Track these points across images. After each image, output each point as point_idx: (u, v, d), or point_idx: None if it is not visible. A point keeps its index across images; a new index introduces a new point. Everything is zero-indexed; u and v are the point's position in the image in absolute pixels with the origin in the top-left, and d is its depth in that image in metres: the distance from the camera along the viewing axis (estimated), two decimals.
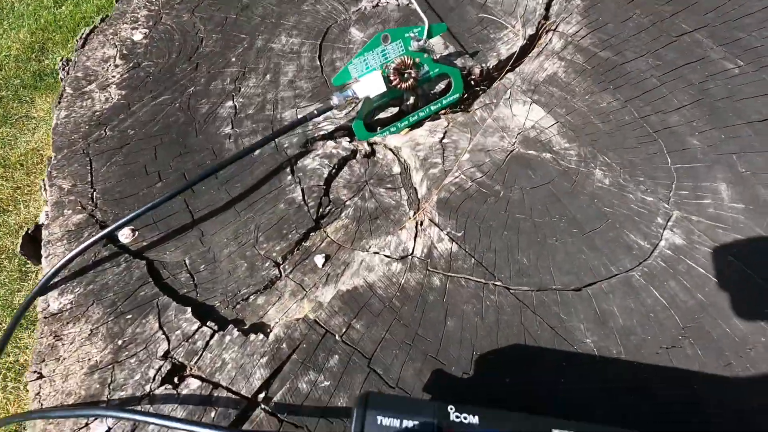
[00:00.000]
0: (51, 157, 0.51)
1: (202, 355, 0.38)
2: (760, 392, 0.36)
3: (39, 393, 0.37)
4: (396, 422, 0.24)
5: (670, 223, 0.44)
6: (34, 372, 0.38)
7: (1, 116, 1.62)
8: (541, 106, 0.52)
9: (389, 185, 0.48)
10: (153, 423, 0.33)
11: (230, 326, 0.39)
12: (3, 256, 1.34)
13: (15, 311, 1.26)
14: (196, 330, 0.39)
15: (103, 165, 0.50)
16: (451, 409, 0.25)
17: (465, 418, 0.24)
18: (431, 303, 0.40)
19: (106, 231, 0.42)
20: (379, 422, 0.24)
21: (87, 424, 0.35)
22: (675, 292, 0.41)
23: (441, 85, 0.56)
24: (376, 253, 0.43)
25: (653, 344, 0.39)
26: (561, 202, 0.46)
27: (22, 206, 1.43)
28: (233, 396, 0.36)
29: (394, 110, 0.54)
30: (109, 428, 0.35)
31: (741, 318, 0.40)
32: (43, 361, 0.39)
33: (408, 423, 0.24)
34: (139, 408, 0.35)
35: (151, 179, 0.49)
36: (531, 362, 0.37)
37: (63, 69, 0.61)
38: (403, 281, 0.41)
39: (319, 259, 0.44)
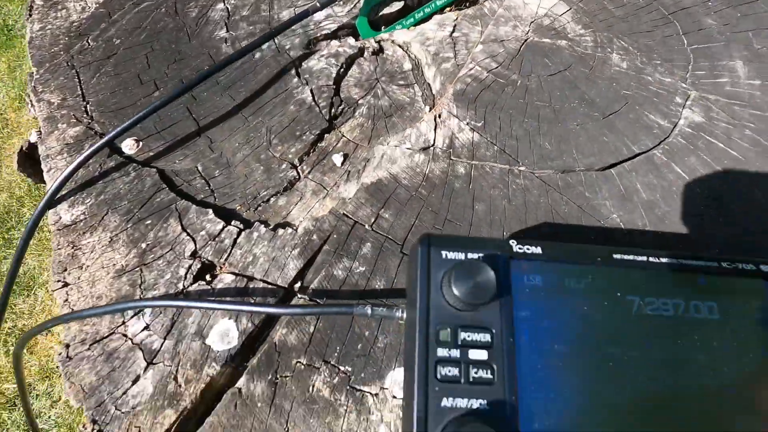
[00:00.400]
0: (32, 73, 0.48)
1: (231, 252, 0.37)
2: None
3: (67, 300, 0.36)
4: (461, 255, 0.24)
5: (688, 102, 0.44)
6: (58, 281, 0.37)
7: None
8: None
9: (401, 82, 0.46)
10: (197, 307, 0.32)
11: (256, 223, 0.38)
12: None
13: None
14: (222, 229, 0.38)
15: (91, 77, 0.46)
16: (513, 242, 0.25)
17: (528, 249, 0.24)
18: (458, 190, 0.40)
19: (108, 136, 0.40)
20: (444, 256, 0.23)
21: (124, 322, 0.35)
22: (695, 167, 0.41)
23: None
24: (396, 146, 0.42)
25: (677, 215, 0.39)
26: (579, 87, 0.45)
27: None
28: (270, 286, 0.36)
29: (399, 5, 0.51)
30: (147, 324, 0.35)
31: (759, 187, 0.41)
32: (65, 270, 0.37)
33: (473, 256, 0.24)
34: (180, 297, 0.35)
35: (148, 88, 0.46)
36: (562, 237, 0.38)
37: None
38: (427, 171, 0.41)
39: (337, 158, 0.42)
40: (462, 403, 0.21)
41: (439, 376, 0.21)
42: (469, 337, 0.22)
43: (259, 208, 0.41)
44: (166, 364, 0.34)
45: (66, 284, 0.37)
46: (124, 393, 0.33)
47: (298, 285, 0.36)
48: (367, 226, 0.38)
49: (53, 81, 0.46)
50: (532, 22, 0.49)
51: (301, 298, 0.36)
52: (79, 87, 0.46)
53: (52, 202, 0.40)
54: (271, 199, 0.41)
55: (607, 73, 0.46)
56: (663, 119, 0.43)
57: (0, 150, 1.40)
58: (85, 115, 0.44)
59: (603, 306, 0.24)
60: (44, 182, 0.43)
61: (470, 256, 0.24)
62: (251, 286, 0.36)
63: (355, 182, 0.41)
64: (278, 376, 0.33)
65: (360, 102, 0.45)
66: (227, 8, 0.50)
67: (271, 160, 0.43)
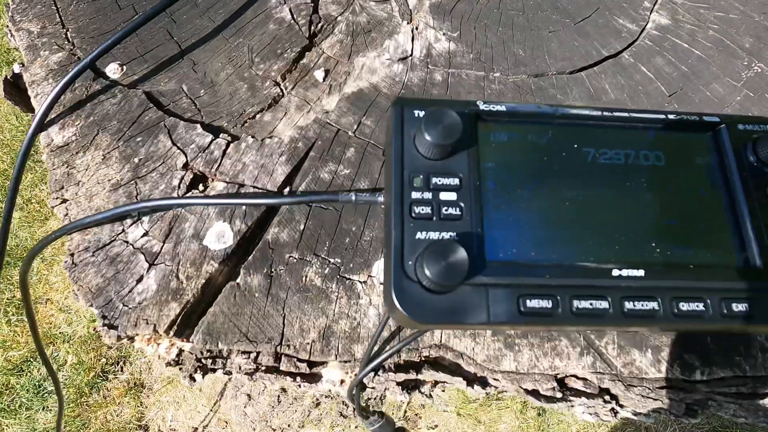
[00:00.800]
0: (8, 3, 0.47)
1: (221, 162, 0.39)
2: None
3: (67, 214, 0.38)
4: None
5: (656, 6, 0.46)
6: (56, 198, 0.39)
7: None
8: None
9: None
10: (195, 203, 0.34)
11: (244, 135, 0.40)
12: None
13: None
14: (211, 142, 0.40)
15: (69, 4, 0.46)
16: (480, 102, 0.27)
17: (494, 107, 0.27)
18: (436, 96, 0.41)
19: (90, 56, 0.40)
20: (415, 114, 0.26)
21: (124, 230, 0.37)
22: (661, 67, 0.43)
23: None
24: (376, 57, 0.43)
25: None
26: None
27: None
28: (260, 191, 0.38)
29: None
30: (146, 231, 0.37)
31: (719, 83, 0.43)
32: (62, 188, 0.39)
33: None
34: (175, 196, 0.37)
35: (127, 13, 0.46)
36: None
37: None
38: (406, 80, 0.42)
39: (319, 74, 0.44)
40: (434, 235, 0.23)
41: (413, 215, 0.24)
42: (439, 181, 0.24)
43: (246, 124, 0.42)
44: (167, 264, 0.36)
45: (64, 200, 0.39)
46: (130, 291, 0.35)
47: (287, 189, 0.38)
48: (350, 133, 0.40)
49: (30, 10, 0.46)
50: None
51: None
52: (57, 15, 0.46)
53: (42, 126, 0.41)
54: (257, 115, 0.43)
55: None
56: (631, 23, 0.45)
57: None
58: (66, 42, 0.45)
59: (561, 157, 0.26)
60: (33, 110, 0.44)
61: (438, 114, 0.26)
62: (242, 191, 0.38)
63: (337, 95, 0.43)
64: (273, 270, 0.36)
65: (338, 19, 0.46)
66: None
67: (254, 78, 0.44)
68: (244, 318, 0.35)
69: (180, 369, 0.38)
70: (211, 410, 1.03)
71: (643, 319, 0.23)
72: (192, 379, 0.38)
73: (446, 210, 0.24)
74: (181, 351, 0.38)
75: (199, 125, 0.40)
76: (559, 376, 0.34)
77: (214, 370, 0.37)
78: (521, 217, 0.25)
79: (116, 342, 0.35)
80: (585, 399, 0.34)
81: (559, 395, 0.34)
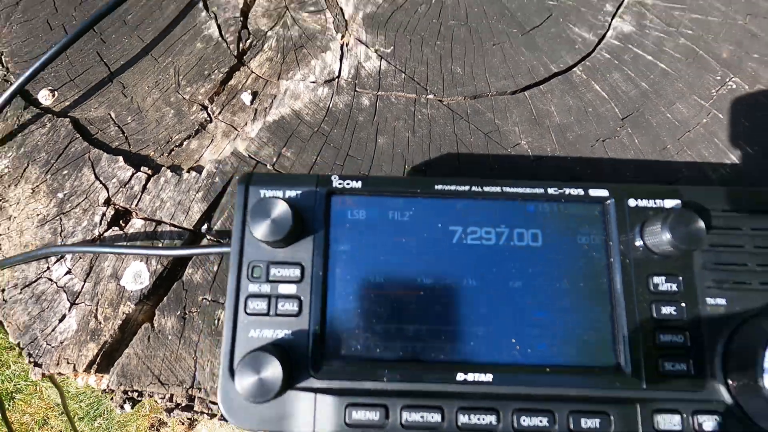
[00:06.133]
0: None
1: (141, 197, 0.39)
2: (689, 168, 0.36)
3: (0, 248, 0.39)
4: (279, 193, 0.24)
5: (620, 10, 0.40)
6: None
7: None
8: None
9: (312, 8, 0.44)
10: (108, 251, 0.34)
11: (163, 168, 0.39)
12: None
13: None
14: (132, 176, 0.39)
15: (2, 26, 0.46)
16: (335, 177, 0.25)
17: (348, 183, 0.25)
18: (361, 123, 0.39)
19: (19, 81, 0.40)
20: (262, 195, 0.24)
21: (49, 268, 0.38)
22: (617, 84, 0.39)
23: None
24: (301, 80, 0.41)
25: (589, 138, 0.38)
26: (500, 0, 0.41)
27: None
28: (177, 229, 0.37)
29: None
30: (69, 269, 0.37)
31: (684, 102, 0.38)
32: None
33: (292, 193, 0.24)
34: (93, 243, 0.37)
35: (58, 33, 0.45)
36: (463, 168, 0.37)
37: None
38: (330, 105, 0.40)
39: (246, 97, 0.42)
40: (268, 333, 0.22)
41: (248, 311, 0.23)
42: (279, 272, 0.23)
43: (172, 153, 0.41)
44: (87, 304, 0.37)
45: None
46: (53, 330, 0.37)
47: (204, 227, 0.38)
48: (269, 166, 0.38)
49: None
50: None
51: (208, 239, 0.37)
52: None
53: None
54: (183, 142, 0.42)
55: None
56: (588, 32, 0.40)
57: None
58: (0, 67, 0.44)
59: (423, 237, 0.24)
60: None
61: (288, 193, 0.24)
62: (160, 229, 0.38)
63: (261, 121, 0.41)
64: (186, 312, 0.36)
65: (269, 34, 0.43)
66: None
67: (181, 102, 0.42)
68: (157, 360, 0.36)
69: (111, 399, 0.40)
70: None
71: None
72: (122, 407, 0.40)
73: (282, 305, 0.22)
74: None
75: (121, 158, 0.40)
76: None
77: (140, 401, 0.39)
78: (367, 310, 0.23)
79: (42, 378, 0.37)
80: None
81: None
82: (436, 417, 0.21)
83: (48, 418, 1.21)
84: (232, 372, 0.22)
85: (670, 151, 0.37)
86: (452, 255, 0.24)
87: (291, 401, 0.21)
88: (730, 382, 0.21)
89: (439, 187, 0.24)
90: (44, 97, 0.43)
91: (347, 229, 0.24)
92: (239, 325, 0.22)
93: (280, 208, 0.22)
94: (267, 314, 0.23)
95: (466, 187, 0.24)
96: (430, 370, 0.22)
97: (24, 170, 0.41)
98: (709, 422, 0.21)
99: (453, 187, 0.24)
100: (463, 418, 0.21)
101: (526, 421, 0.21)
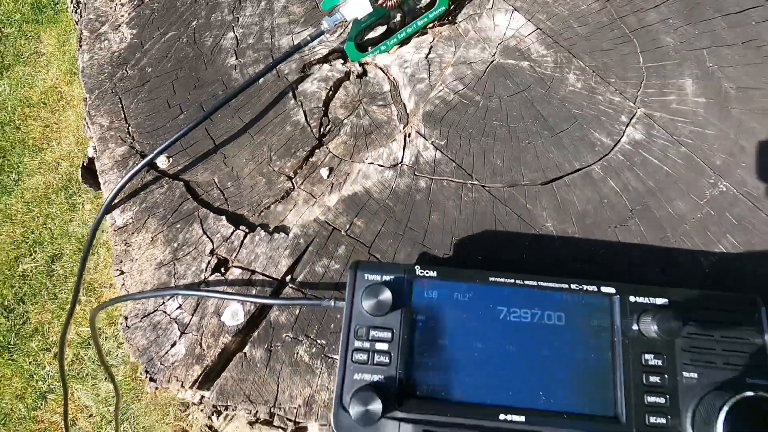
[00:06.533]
0: (86, 99, 0.59)
1: (239, 251, 0.48)
2: (684, 254, 0.44)
3: (124, 284, 0.49)
4: (377, 277, 0.33)
5: (633, 121, 0.49)
6: (117, 270, 0.50)
7: (12, 55, 1.65)
8: (523, 13, 0.55)
9: (381, 102, 0.54)
10: (212, 296, 0.44)
11: (258, 228, 0.49)
12: (50, 191, 1.46)
13: (71, 237, 1.41)
14: (232, 233, 0.49)
15: (131, 102, 0.57)
16: (417, 267, 0.34)
17: (427, 273, 0.34)
18: (418, 201, 0.48)
19: (146, 160, 0.51)
20: (366, 278, 0.33)
21: (164, 302, 0.48)
22: (628, 181, 0.47)
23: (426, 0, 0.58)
24: (371, 163, 0.51)
25: (604, 224, 0.46)
26: (535, 107, 0.51)
27: (54, 143, 1.51)
28: (267, 278, 0.47)
29: (383, 29, 0.58)
30: (180, 305, 0.47)
31: (682, 200, 0.47)
32: (121, 262, 0.50)
33: (387, 277, 0.33)
34: (200, 287, 0.47)
35: (174, 112, 0.56)
36: (500, 243, 0.46)
37: (75, 11, 0.66)
38: (394, 185, 0.49)
39: (324, 171, 0.52)
40: (367, 377, 0.31)
41: (353, 360, 0.31)
42: (376, 334, 0.32)
43: (262, 214, 0.52)
44: (194, 334, 0.46)
45: (122, 272, 0.50)
46: (166, 353, 0.46)
47: (289, 277, 0.47)
48: (343, 232, 0.48)
49: (102, 106, 0.58)
50: (499, 43, 0.54)
51: (291, 288, 0.47)
52: (122, 111, 0.57)
53: (109, 209, 0.52)
54: (272, 206, 0.52)
55: (561, 92, 0.51)
56: (606, 137, 0.49)
57: (59, 122, 1.56)
58: (128, 136, 0.56)
59: (478, 314, 0.33)
60: (100, 189, 0.56)
61: (385, 277, 0.33)
62: (254, 277, 0.47)
63: (337, 193, 0.51)
64: (272, 346, 0.45)
65: (345, 121, 0.54)
66: (236, 36, 0.59)
67: (271, 173, 0.53)
68: (247, 383, 0.44)
69: (201, 411, 0.48)
70: None
71: None
72: (210, 418, 0.49)
73: (378, 357, 0.31)
74: (202, 396, 0.48)
75: (224, 217, 0.50)
76: None
77: (224, 413, 0.48)
78: (438, 364, 0.32)
79: (154, 391, 0.46)
80: None
81: None
82: None
83: (77, 419, 1.29)
84: (341, 403, 0.30)
85: (669, 239, 0.45)
86: (498, 328, 0.32)
87: (384, 426, 0.30)
88: None
89: (492, 278, 0.34)
90: (162, 161, 0.54)
91: (424, 306, 0.33)
92: (347, 369, 0.31)
93: (385, 294, 0.31)
94: (366, 363, 0.31)
95: (512, 280, 0.33)
96: (480, 410, 0.30)
97: (145, 222, 0.52)
98: None
99: (502, 279, 0.33)
100: None
101: None
